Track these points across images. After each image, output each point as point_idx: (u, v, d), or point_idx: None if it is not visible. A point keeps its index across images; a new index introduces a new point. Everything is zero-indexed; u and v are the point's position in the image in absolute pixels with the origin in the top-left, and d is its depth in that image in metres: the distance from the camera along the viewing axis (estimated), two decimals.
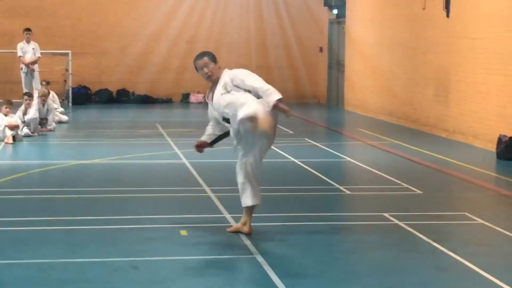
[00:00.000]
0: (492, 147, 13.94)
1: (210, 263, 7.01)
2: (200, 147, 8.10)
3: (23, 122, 15.63)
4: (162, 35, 24.74)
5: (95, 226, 8.32)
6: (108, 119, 20.20)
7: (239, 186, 7.84)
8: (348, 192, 10.57)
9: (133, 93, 24.65)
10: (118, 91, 24.58)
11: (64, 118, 18.76)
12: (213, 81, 7.83)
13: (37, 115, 15.98)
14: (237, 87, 7.57)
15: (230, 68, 7.94)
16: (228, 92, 7.59)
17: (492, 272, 6.73)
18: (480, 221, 8.74)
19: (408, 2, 18.44)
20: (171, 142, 15.02)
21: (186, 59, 24.88)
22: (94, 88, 24.43)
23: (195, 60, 7.91)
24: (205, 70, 7.80)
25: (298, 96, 25.45)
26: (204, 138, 8.10)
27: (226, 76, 7.70)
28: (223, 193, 10.09)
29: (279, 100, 7.45)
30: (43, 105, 16.81)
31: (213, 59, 7.86)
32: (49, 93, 17.66)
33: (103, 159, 12.99)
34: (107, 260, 7.01)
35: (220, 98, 7.63)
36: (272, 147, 14.61)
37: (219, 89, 7.69)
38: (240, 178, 7.78)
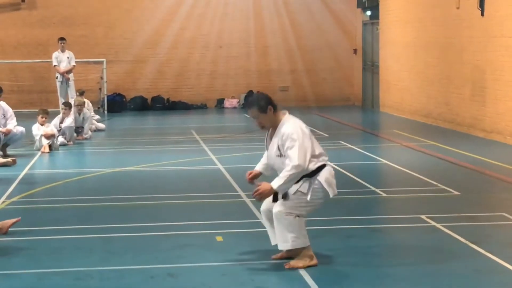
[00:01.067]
0: None
1: (246, 269, 6.99)
2: (253, 178, 7.21)
3: (59, 130, 15.76)
4: (195, 41, 24.85)
5: (131, 234, 8.35)
6: (143, 126, 20.31)
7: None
8: (384, 194, 10.49)
9: (167, 100, 24.75)
10: (153, 98, 24.71)
11: (101, 126, 18.90)
12: (270, 128, 7.06)
13: (73, 124, 16.12)
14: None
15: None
16: (282, 156, 6.85)
17: None
18: None
19: (441, 1, 18.29)
20: (206, 148, 15.05)
21: (219, 64, 25.02)
22: (129, 95, 24.59)
23: (247, 107, 7.18)
24: (256, 122, 7.05)
25: (333, 98, 25.38)
26: (259, 168, 7.25)
27: (281, 134, 6.81)
28: None
29: (270, 189, 6.75)
30: (79, 114, 16.94)
31: (262, 109, 6.87)
32: (84, 102, 17.80)
33: (138, 166, 13.04)
34: (143, 268, 7.03)
35: (276, 158, 6.91)
36: None
37: (274, 145, 6.90)
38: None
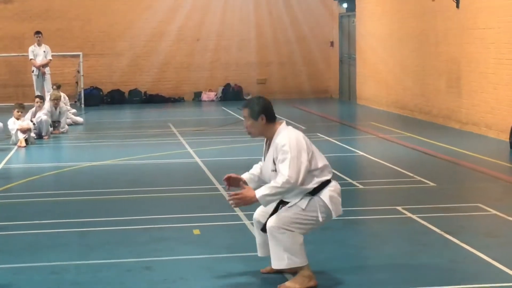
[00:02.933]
0: (505, 137, 13.87)
1: (223, 261, 7.01)
2: (230, 183, 6.58)
3: (34, 124, 15.67)
4: (172, 34, 24.79)
5: (108, 228, 8.34)
6: (120, 119, 20.24)
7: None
8: (361, 186, 10.54)
9: (145, 93, 24.69)
10: (130, 91, 24.63)
11: (79, 119, 18.83)
12: (261, 137, 6.39)
13: (46, 118, 15.97)
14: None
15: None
16: (275, 171, 6.20)
17: (506, 263, 6.69)
18: (494, 212, 8.70)
19: None
20: (183, 141, 15.03)
21: (196, 57, 24.99)
22: (106, 89, 24.50)
23: (242, 106, 6.53)
24: (244, 124, 6.42)
25: (310, 91, 25.43)
26: (245, 175, 6.59)
27: (275, 146, 6.16)
28: (235, 191, 10.06)
29: (254, 197, 6.05)
30: (56, 108, 16.86)
31: (253, 114, 6.22)
32: (60, 96, 17.71)
33: (115, 160, 13.01)
34: (120, 261, 7.02)
35: (271, 173, 6.22)
36: None
37: (270, 157, 6.24)
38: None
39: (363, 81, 22.56)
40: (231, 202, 6.21)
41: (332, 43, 25.36)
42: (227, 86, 25.04)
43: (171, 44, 24.87)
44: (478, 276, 6.52)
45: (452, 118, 16.65)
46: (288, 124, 6.38)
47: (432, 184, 10.42)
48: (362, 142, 15.32)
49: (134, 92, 24.62)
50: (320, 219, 6.18)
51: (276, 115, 6.36)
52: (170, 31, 24.76)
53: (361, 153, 13.51)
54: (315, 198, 6.17)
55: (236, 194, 6.14)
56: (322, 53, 25.58)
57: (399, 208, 8.94)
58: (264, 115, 6.22)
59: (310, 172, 6.14)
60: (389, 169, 11.74)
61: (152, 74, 24.91)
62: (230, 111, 21.24)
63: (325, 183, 6.23)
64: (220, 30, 25.04)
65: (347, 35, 24.27)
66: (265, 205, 6.20)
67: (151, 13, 24.57)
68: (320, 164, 6.22)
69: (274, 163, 6.16)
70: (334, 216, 6.23)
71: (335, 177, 11.06)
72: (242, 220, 8.47)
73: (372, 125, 17.24)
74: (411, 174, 11.12)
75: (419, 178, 10.84)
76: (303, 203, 6.15)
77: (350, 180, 10.80)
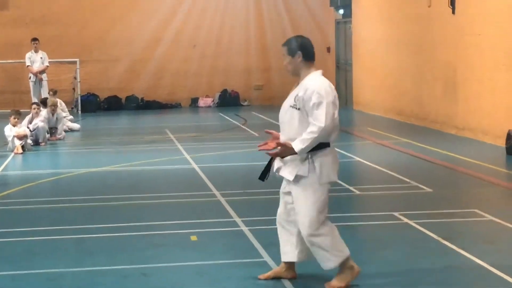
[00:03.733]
0: (502, 142, 13.89)
1: (221, 267, 7.01)
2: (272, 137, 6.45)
3: (31, 131, 15.66)
4: (169, 40, 24.80)
5: (105, 234, 8.34)
6: (117, 126, 20.25)
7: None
8: (357, 192, 10.55)
9: (142, 99, 24.69)
10: (127, 98, 24.63)
11: (76, 126, 18.82)
12: (296, 76, 6.39)
13: (42, 125, 15.94)
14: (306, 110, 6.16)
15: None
16: (297, 109, 6.22)
17: (502, 269, 6.70)
18: (490, 217, 8.71)
19: (413, 0, 18.41)
20: (180, 147, 15.03)
21: (193, 63, 24.99)
22: (103, 95, 24.49)
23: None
24: (284, 62, 6.43)
25: None
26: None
27: (305, 86, 6.19)
28: (232, 197, 10.10)
29: (291, 150, 6.11)
30: (53, 114, 16.87)
31: (290, 51, 6.32)
32: (57, 102, 17.71)
33: (112, 167, 13.01)
34: (117, 268, 7.02)
35: (288, 109, 6.30)
36: None
37: (293, 94, 6.29)
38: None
39: (360, 86, 22.59)
40: (272, 151, 6.23)
41: (328, 49, 25.38)
42: (224, 92, 25.05)
43: (168, 49, 24.87)
44: (476, 282, 6.54)
45: (449, 124, 16.68)
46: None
47: (428, 189, 10.44)
48: (359, 147, 15.33)
49: (131, 98, 24.61)
50: (328, 185, 6.27)
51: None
52: (167, 36, 24.76)
53: (358, 158, 13.53)
54: (315, 158, 6.15)
55: (279, 144, 6.17)
56: (319, 59, 25.13)
57: (396, 214, 8.95)
58: (301, 52, 6.31)
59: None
60: (386, 175, 11.75)
61: (149, 80, 24.91)
62: (227, 117, 21.26)
63: (326, 145, 6.19)
64: (218, 36, 25.06)
65: (343, 41, 24.31)
66: (301, 155, 6.13)
67: (148, 19, 24.58)
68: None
69: (295, 100, 6.18)
70: (325, 181, 6.22)
71: (332, 183, 11.07)
72: (239, 226, 8.47)
73: (368, 131, 17.26)
74: (408, 180, 11.13)
75: (415, 183, 10.85)
76: (304, 169, 6.16)
77: (347, 186, 10.81)
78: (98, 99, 24.31)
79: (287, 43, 6.41)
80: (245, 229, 8.33)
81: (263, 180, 6.52)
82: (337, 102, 6.23)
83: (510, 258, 7.19)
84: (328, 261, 6.27)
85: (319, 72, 6.36)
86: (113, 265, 7.10)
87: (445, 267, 6.86)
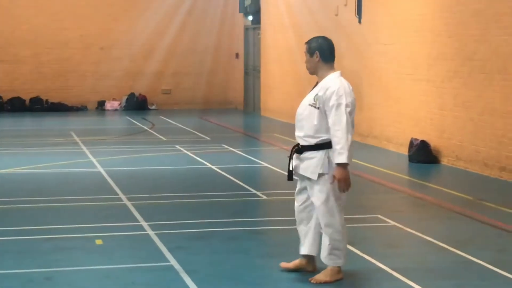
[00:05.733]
0: (405, 150, 14.25)
1: (126, 271, 6.96)
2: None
3: None
4: (76, 42, 24.43)
5: (9, 237, 8.17)
6: (21, 128, 19.83)
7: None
8: (265, 197, 10.64)
9: (46, 101, 24.23)
10: (32, 99, 24.13)
11: None
12: (314, 75, 6.67)
13: None
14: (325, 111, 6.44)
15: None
16: (317, 108, 6.49)
17: (405, 273, 6.87)
18: (393, 223, 8.92)
19: (321, 8, 18.68)
20: (86, 151, 14.83)
21: (100, 65, 24.68)
22: (6, 96, 23.93)
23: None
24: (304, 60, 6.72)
25: (215, 102, 25.50)
26: None
27: (325, 86, 6.48)
28: (139, 201, 10.03)
29: (342, 166, 6.35)
30: None
31: (309, 50, 6.59)
32: None
33: (16, 169, 12.74)
34: (20, 272, 6.88)
35: (307, 107, 6.56)
36: (189, 153, 14.66)
37: (312, 94, 6.57)
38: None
39: (268, 93, 22.78)
40: (343, 191, 6.48)
41: (237, 55, 25.51)
42: (131, 96, 24.85)
43: (75, 51, 24.50)
44: (378, 285, 6.68)
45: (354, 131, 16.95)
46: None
47: None
48: (266, 153, 15.46)
49: (36, 100, 24.12)
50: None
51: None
52: (75, 38, 24.39)
53: (265, 164, 13.63)
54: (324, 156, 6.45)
55: (339, 186, 6.40)
56: (227, 65, 25.70)
57: None
58: (319, 52, 6.54)
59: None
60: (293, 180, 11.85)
61: (55, 82, 24.48)
62: (134, 121, 21.09)
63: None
64: (126, 39, 24.83)
65: (252, 47, 24.47)
66: (350, 161, 6.39)
67: (57, 20, 24.16)
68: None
69: (315, 100, 6.45)
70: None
71: (239, 188, 11.17)
72: (145, 230, 8.43)
73: (275, 137, 17.41)
74: None
75: None
76: (325, 166, 6.43)
77: (254, 191, 10.89)
78: (1, 100, 23.74)
79: (308, 42, 6.66)
80: (151, 233, 8.30)
81: (292, 180, 6.78)
82: (355, 103, 6.59)
83: (410, 262, 7.38)
84: (338, 259, 6.57)
85: (338, 72, 6.60)
86: (18, 269, 6.96)
87: (348, 270, 6.98)
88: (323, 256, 6.63)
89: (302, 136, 6.56)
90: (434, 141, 13.81)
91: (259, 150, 15.78)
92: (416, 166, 13.41)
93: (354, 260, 7.31)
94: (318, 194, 6.54)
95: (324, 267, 6.71)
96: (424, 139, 13.86)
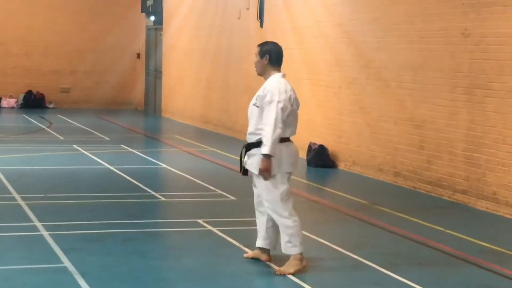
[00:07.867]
0: (303, 154, 14.42)
1: (18, 273, 6.79)
2: None
3: None
4: None
5: None
6: None
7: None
8: (163, 198, 10.59)
9: None
10: None
11: None
12: (262, 76, 7.16)
13: None
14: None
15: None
16: (257, 106, 6.94)
17: (299, 275, 6.95)
18: None
19: (223, 11, 18.73)
20: None
21: None
22: None
23: None
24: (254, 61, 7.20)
25: (115, 102, 25.22)
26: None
27: (264, 86, 6.96)
28: (33, 201, 9.82)
29: (265, 157, 6.78)
30: None
31: (260, 52, 7.05)
32: None
33: None
34: None
35: (252, 107, 7.00)
36: (87, 153, 14.44)
37: (255, 95, 7.05)
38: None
39: (169, 94, 22.68)
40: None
41: (138, 55, 25.30)
42: (28, 93, 24.31)
43: None
44: (276, 286, 6.75)
45: None
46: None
47: (232, 197, 10.65)
48: (166, 155, 15.39)
49: None
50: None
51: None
52: None
53: (164, 165, 13.57)
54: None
55: (262, 173, 6.81)
56: (128, 65, 25.45)
57: (200, 221, 9.06)
58: (269, 56, 7.00)
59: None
60: (192, 182, 11.87)
61: None
62: (31, 119, 20.65)
63: (283, 139, 6.94)
64: (24, 35, 24.29)
65: (154, 48, 24.32)
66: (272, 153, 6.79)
67: None
68: (287, 122, 6.93)
69: (256, 99, 6.90)
70: (284, 171, 6.97)
71: (137, 189, 11.08)
72: (39, 231, 8.26)
73: (176, 139, 17.36)
74: (213, 188, 11.31)
75: (220, 191, 11.04)
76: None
77: (152, 193, 10.82)
78: None
79: (260, 45, 7.12)
80: (45, 233, 8.13)
81: (246, 175, 7.13)
82: (294, 101, 7.01)
83: (307, 263, 7.46)
84: (294, 247, 6.93)
85: (280, 74, 7.03)
86: None
87: (246, 273, 7.02)
88: (282, 247, 7.03)
89: (248, 133, 7.04)
90: (332, 146, 14.04)
91: (159, 151, 15.70)
92: (314, 170, 13.60)
93: (250, 263, 7.34)
94: (262, 188, 6.98)
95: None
96: (322, 143, 14.07)
